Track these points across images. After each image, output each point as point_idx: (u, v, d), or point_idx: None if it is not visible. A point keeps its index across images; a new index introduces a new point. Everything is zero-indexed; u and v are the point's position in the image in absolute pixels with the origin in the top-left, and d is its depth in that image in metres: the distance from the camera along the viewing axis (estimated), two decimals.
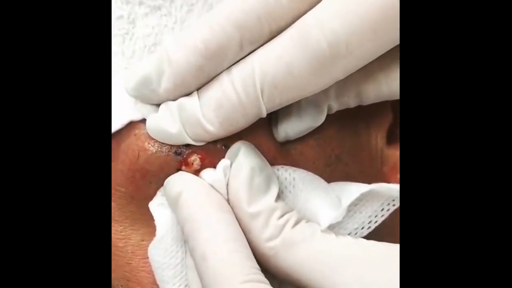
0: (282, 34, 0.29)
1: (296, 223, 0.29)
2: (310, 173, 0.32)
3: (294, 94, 0.29)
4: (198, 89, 0.30)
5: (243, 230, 0.29)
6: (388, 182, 0.35)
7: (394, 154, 0.35)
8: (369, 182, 0.34)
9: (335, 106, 0.32)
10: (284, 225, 0.29)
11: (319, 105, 0.32)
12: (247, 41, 0.29)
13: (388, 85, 0.31)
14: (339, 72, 0.29)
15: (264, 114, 0.30)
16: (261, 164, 0.30)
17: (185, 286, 0.31)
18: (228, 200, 0.30)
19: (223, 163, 0.30)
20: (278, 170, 0.31)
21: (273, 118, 0.32)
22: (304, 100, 0.31)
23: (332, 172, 0.33)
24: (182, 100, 0.30)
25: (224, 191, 0.30)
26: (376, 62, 0.31)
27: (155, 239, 0.31)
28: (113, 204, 0.33)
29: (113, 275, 0.34)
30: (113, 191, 0.32)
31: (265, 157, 0.32)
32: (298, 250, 0.29)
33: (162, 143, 0.31)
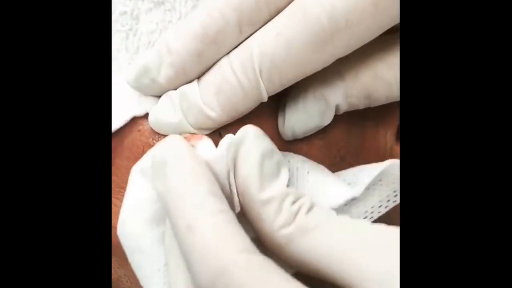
0: (280, 14, 0.29)
1: (310, 208, 0.28)
2: (310, 160, 0.31)
3: (294, 72, 0.29)
4: (199, 77, 0.30)
5: (253, 218, 0.28)
6: None
7: None
8: None
9: (344, 107, 0.32)
10: (297, 211, 0.28)
11: (327, 105, 0.31)
12: (246, 24, 0.29)
13: (398, 87, 0.31)
14: (339, 48, 0.29)
15: (265, 97, 0.30)
16: (271, 148, 0.29)
17: (164, 265, 0.29)
18: (229, 182, 0.29)
19: (227, 140, 0.29)
20: (284, 155, 0.31)
21: (280, 117, 0.32)
22: (312, 99, 0.31)
23: (336, 171, 0.33)
24: (183, 88, 0.30)
25: (223, 170, 0.28)
26: (385, 64, 0.31)
27: (122, 217, 0.30)
28: (117, 202, 0.32)
29: (122, 272, 0.33)
30: (118, 189, 0.32)
31: None
32: (313, 236, 0.27)
33: (164, 136, 0.31)
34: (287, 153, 0.31)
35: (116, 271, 0.33)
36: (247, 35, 0.29)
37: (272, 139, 0.31)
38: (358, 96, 0.31)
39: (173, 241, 0.27)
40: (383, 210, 0.30)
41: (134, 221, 0.29)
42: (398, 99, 0.32)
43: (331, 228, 0.27)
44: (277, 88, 0.30)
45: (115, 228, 0.32)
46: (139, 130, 0.31)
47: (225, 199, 0.27)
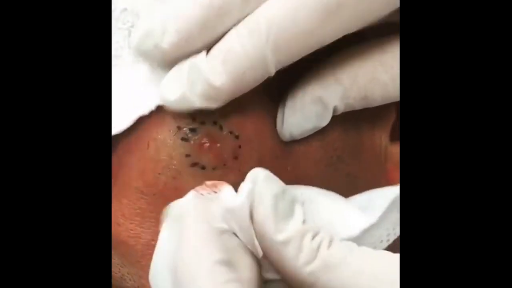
0: None
1: (330, 242, 0.28)
2: (322, 189, 0.31)
3: (301, 43, 0.29)
4: (205, 48, 0.30)
5: (275, 260, 0.28)
6: (390, 178, 0.36)
7: (397, 150, 0.36)
8: (370, 180, 0.35)
9: (341, 108, 0.32)
10: (319, 247, 0.28)
11: (325, 107, 0.32)
12: None
13: (395, 88, 0.32)
14: (345, 22, 0.29)
15: (272, 69, 0.30)
16: (283, 189, 0.29)
17: None
18: (253, 227, 0.29)
19: (247, 187, 0.29)
20: (290, 188, 0.30)
21: (278, 118, 0.33)
22: (310, 101, 0.32)
23: (333, 172, 0.33)
24: (192, 58, 0.30)
25: (246, 217, 0.29)
26: (383, 66, 0.31)
27: (151, 268, 0.30)
28: (124, 200, 0.33)
29: (125, 270, 0.34)
30: (125, 187, 0.32)
31: (267, 155, 0.32)
32: (340, 271, 0.27)
33: (169, 131, 0.31)
34: (297, 186, 0.31)
35: (119, 270, 0.34)
36: (254, 7, 0.30)
37: (271, 140, 0.32)
38: (355, 98, 0.32)
39: None
40: (398, 233, 0.30)
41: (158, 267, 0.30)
42: (393, 100, 0.32)
43: (356, 261, 0.27)
44: (283, 60, 0.30)
45: (116, 225, 0.33)
46: (143, 125, 0.32)
47: (236, 268, 0.28)
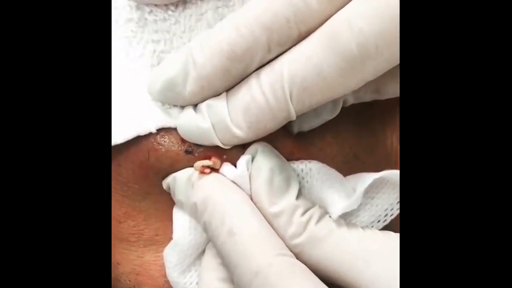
0: (311, 36, 0.28)
1: (320, 218, 0.29)
2: (326, 165, 0.31)
3: (324, 95, 0.29)
4: (226, 90, 0.30)
5: None
6: None
7: None
8: None
9: (351, 100, 0.32)
10: (308, 222, 0.29)
11: (334, 100, 0.31)
12: (275, 43, 0.28)
13: None
14: (369, 73, 0.28)
15: (294, 117, 0.29)
16: (280, 164, 0.30)
17: (196, 283, 0.32)
18: (251, 197, 0.30)
19: (245, 158, 0.30)
20: (294, 163, 0.31)
21: None
22: None
23: (350, 169, 0.33)
24: (210, 101, 0.30)
25: (247, 186, 0.30)
26: None
27: (172, 242, 0.32)
28: (126, 200, 0.33)
29: (121, 270, 0.34)
30: (125, 188, 0.32)
31: (282, 152, 0.31)
32: (324, 245, 0.29)
33: (172, 142, 0.31)
34: (299, 161, 0.31)
35: (113, 271, 0.34)
36: (276, 54, 0.29)
37: (284, 138, 0.32)
38: (365, 91, 0.31)
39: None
40: (389, 219, 0.31)
41: (179, 241, 0.32)
42: None
43: (340, 237, 0.29)
44: (306, 109, 0.29)
45: (116, 221, 0.33)
46: (142, 136, 0.31)
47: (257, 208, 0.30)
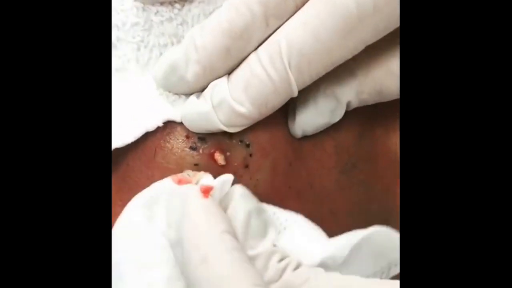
0: (307, 4, 0.29)
1: (297, 266, 0.28)
2: (304, 218, 0.31)
3: (323, 61, 0.29)
4: (228, 73, 0.30)
5: None
6: None
7: None
8: (385, 187, 0.35)
9: (355, 103, 0.32)
10: (284, 268, 0.28)
11: (338, 102, 0.31)
12: (273, 17, 0.29)
13: None
14: (367, 33, 0.28)
15: (295, 91, 0.29)
16: (258, 208, 0.30)
17: None
18: None
19: (220, 179, 0.30)
20: (274, 213, 0.31)
21: (290, 115, 0.32)
22: (323, 97, 0.31)
23: (348, 179, 0.33)
24: (213, 82, 0.30)
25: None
26: (397, 59, 0.30)
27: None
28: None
29: None
30: (134, 191, 0.32)
31: (280, 162, 0.31)
32: None
33: (177, 139, 0.31)
34: (275, 208, 0.31)
35: None
36: (274, 28, 0.29)
37: (285, 145, 0.31)
38: (369, 92, 0.31)
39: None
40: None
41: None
42: None
43: (319, 283, 0.27)
44: (306, 80, 0.29)
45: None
46: (150, 133, 0.31)
47: (238, 240, 0.28)
